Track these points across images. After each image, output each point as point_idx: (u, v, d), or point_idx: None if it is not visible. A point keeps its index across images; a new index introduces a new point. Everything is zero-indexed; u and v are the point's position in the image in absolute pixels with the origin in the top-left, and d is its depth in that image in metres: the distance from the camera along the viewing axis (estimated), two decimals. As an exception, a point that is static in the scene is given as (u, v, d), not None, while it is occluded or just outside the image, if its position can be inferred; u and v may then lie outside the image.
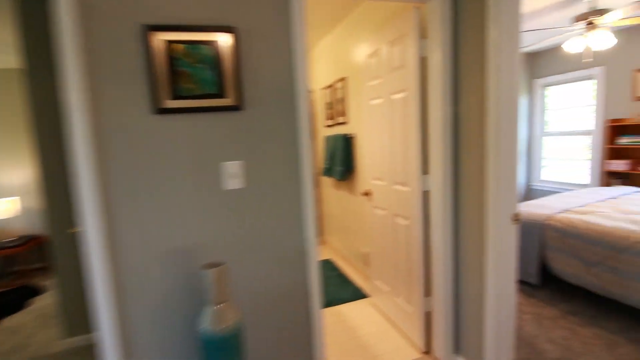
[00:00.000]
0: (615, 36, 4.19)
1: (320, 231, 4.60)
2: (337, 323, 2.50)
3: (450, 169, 1.83)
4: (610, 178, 4.21)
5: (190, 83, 1.40)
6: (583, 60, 4.38)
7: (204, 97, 1.42)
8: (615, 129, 4.16)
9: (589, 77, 4.56)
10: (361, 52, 2.51)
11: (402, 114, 2.08)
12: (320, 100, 4.04)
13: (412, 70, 1.94)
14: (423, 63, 1.91)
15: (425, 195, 2.02)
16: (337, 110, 3.51)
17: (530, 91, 5.33)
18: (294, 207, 1.58)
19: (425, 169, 1.99)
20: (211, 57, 1.42)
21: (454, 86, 1.77)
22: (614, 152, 4.20)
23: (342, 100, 3.35)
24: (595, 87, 4.46)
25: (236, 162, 1.47)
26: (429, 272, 2.06)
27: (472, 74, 1.65)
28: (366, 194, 2.65)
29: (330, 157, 3.45)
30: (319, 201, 4.53)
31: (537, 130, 5.32)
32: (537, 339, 2.18)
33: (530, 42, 4.43)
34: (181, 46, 1.38)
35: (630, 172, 3.98)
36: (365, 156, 2.66)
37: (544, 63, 5.08)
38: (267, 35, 1.48)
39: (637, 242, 2.22)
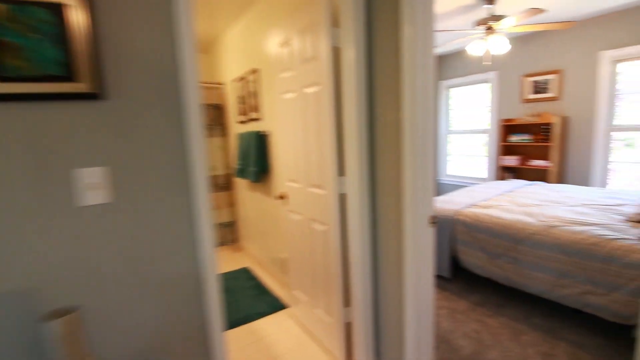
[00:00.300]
0: (510, 43, 4.63)
1: (236, 237, 4.25)
2: (252, 343, 2.24)
3: (367, 171, 1.69)
4: (505, 172, 4.67)
5: (20, 59, 1.00)
6: (483, 63, 4.75)
7: (43, 79, 1.03)
8: (507, 128, 4.61)
9: (486, 81, 5.00)
10: (273, 40, 2.27)
11: (316, 109, 1.89)
12: (232, 93, 3.69)
13: (324, 62, 1.75)
14: (336, 54, 1.74)
15: (342, 199, 1.86)
16: (249, 105, 3.21)
17: (437, 92, 5.68)
18: (182, 223, 1.26)
19: (341, 170, 1.83)
20: (52, 25, 1.03)
21: (369, 82, 1.63)
22: (507, 149, 4.67)
23: (255, 94, 3.07)
24: (491, 89, 4.91)
25: (97, 169, 1.11)
26: (348, 280, 1.92)
27: (387, 71, 1.52)
28: (281, 197, 2.43)
29: (244, 157, 3.15)
30: (233, 204, 4.18)
31: (443, 129, 5.70)
32: (453, 334, 2.21)
33: (436, 44, 4.67)
34: (2, 6, 0.97)
35: (519, 166, 4.45)
36: (280, 155, 2.43)
37: (448, 65, 5.45)
38: (139, 4, 1.13)
39: (532, 233, 2.39)
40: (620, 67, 3.71)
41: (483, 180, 5.20)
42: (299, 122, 2.09)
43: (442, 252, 2.94)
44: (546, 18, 3.85)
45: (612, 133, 3.82)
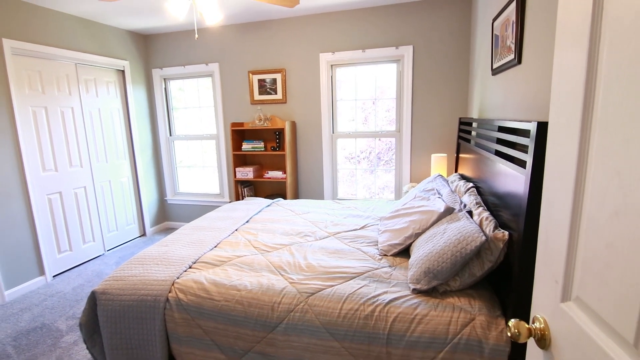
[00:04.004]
0: (229, 32, 3.78)
1: None
2: None
3: None
4: (241, 187, 3.86)
5: None
6: (195, 38, 3.68)
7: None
8: (238, 134, 3.81)
9: (209, 74, 4.00)
10: None
11: None
12: None
13: None
14: None
15: None
16: None
17: (150, 83, 4.20)
18: None
19: None
20: None
21: None
22: (241, 159, 3.87)
23: None
24: (213, 85, 3.97)
25: None
26: None
27: None
28: None
29: None
30: None
31: (163, 133, 4.30)
32: None
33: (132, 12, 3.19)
34: None
35: (256, 179, 3.74)
36: None
37: (159, 49, 4.07)
38: None
39: (289, 310, 1.47)
40: (338, 71, 3.61)
41: (218, 197, 4.23)
42: None
43: (152, 362, 1.60)
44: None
45: (337, 140, 3.71)
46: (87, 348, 1.73)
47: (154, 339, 1.60)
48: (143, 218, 4.16)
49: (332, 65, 3.57)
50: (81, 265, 3.36)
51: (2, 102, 2.70)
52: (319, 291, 1.53)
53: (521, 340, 0.69)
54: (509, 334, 0.70)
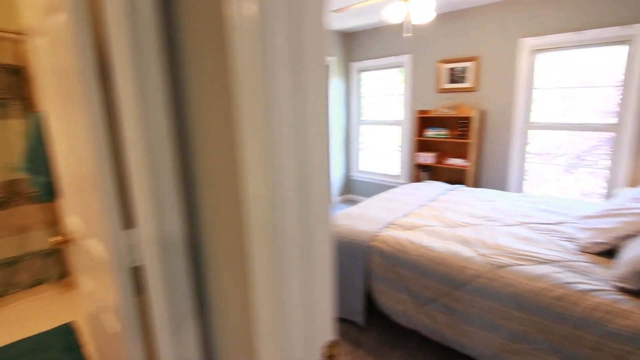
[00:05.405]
0: (423, 25, 4.03)
1: (64, 270, 2.85)
2: None
3: (178, 214, 0.68)
4: (420, 171, 4.13)
5: None
6: (404, 35, 4.06)
7: None
8: (423, 121, 4.06)
9: (400, 65, 4.37)
10: None
11: (64, 68, 0.79)
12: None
13: None
14: None
15: (138, 274, 0.82)
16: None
17: (347, 76, 4.91)
18: None
19: (128, 214, 0.78)
20: None
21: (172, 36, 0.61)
22: (422, 144, 4.12)
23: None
24: (404, 75, 4.30)
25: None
26: None
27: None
28: (64, 241, 1.26)
29: (32, 157, 1.83)
30: (56, 222, 2.76)
31: (354, 118, 4.98)
32: None
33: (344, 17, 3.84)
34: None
35: (435, 165, 3.93)
36: (57, 159, 1.25)
37: (360, 44, 4.69)
38: None
39: (476, 275, 1.69)
40: (539, 57, 3.35)
41: (396, 178, 4.63)
42: (56, 92, 0.95)
43: (354, 290, 2.12)
44: (469, -7, 3.30)
45: (529, 131, 3.49)
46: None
47: (358, 273, 2.09)
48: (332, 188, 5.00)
49: (533, 51, 3.34)
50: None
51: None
52: (508, 266, 1.67)
53: None
54: None
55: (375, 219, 2.34)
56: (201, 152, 0.65)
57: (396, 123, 4.55)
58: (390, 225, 2.24)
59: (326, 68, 0.55)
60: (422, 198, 2.80)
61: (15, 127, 2.49)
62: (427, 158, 3.95)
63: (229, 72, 0.52)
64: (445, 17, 3.84)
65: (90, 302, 1.19)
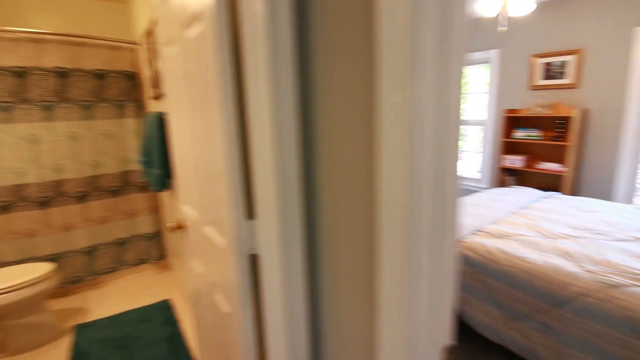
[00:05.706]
0: (513, 17, 3.72)
1: (162, 252, 3.22)
2: None
3: (298, 210, 0.72)
4: (505, 175, 3.83)
5: None
6: (498, 29, 3.80)
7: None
8: (511, 121, 3.74)
9: (486, 61, 4.09)
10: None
11: (201, 71, 0.89)
12: (145, 56, 2.59)
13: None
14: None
15: (255, 262, 0.89)
16: (158, 72, 2.14)
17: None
18: None
19: (250, 206, 0.85)
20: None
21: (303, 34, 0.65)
22: (509, 147, 3.81)
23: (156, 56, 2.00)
24: (490, 72, 4.01)
25: None
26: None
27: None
28: (178, 227, 1.42)
29: (147, 151, 2.09)
30: (157, 210, 3.13)
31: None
32: None
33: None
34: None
35: (524, 169, 3.61)
36: (176, 155, 1.42)
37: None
38: None
39: (582, 294, 1.51)
40: (663, 47, 2.87)
41: (477, 182, 4.35)
42: (185, 94, 1.07)
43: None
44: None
45: (645, 133, 3.02)
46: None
47: (440, 280, 2.01)
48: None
49: (657, 40, 2.87)
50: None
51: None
52: (623, 286, 1.47)
53: None
54: None
55: (462, 224, 2.22)
56: (325, 152, 0.69)
57: (479, 123, 4.27)
58: (477, 232, 2.12)
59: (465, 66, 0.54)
60: (512, 204, 2.59)
61: (130, 126, 2.87)
62: (515, 161, 3.64)
63: (369, 74, 0.54)
64: (543, 6, 3.49)
65: (198, 283, 1.33)
